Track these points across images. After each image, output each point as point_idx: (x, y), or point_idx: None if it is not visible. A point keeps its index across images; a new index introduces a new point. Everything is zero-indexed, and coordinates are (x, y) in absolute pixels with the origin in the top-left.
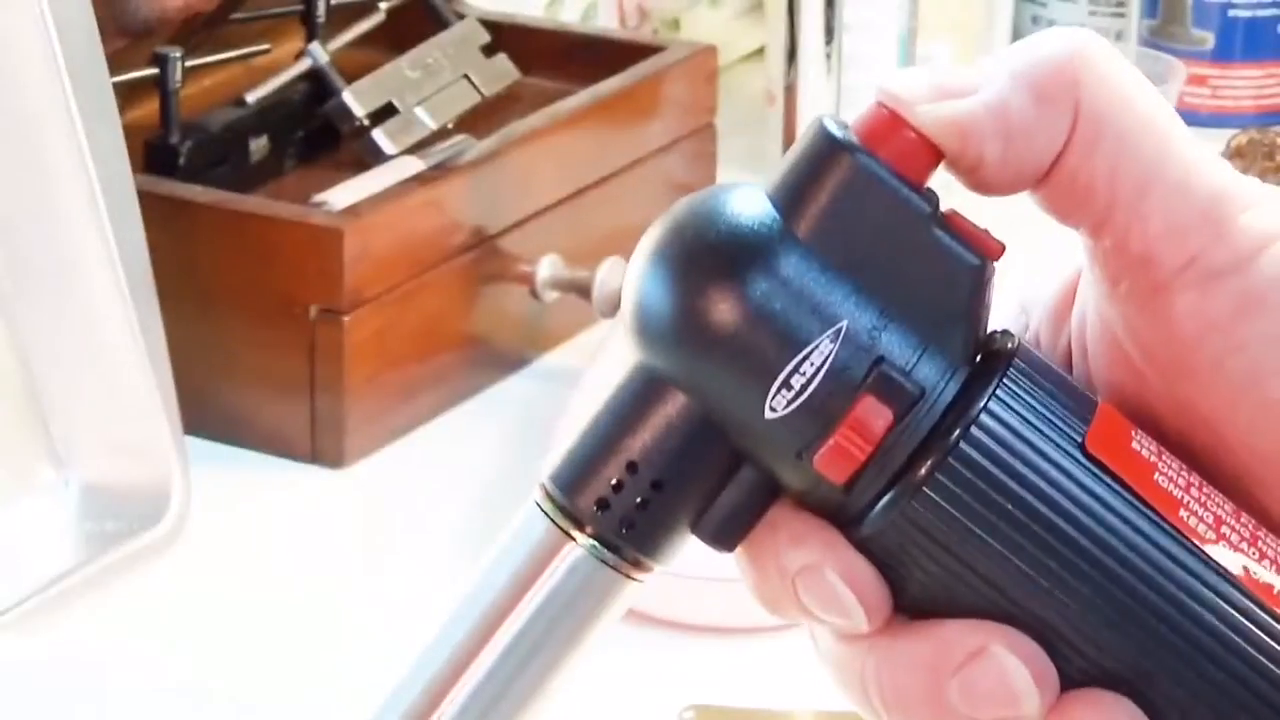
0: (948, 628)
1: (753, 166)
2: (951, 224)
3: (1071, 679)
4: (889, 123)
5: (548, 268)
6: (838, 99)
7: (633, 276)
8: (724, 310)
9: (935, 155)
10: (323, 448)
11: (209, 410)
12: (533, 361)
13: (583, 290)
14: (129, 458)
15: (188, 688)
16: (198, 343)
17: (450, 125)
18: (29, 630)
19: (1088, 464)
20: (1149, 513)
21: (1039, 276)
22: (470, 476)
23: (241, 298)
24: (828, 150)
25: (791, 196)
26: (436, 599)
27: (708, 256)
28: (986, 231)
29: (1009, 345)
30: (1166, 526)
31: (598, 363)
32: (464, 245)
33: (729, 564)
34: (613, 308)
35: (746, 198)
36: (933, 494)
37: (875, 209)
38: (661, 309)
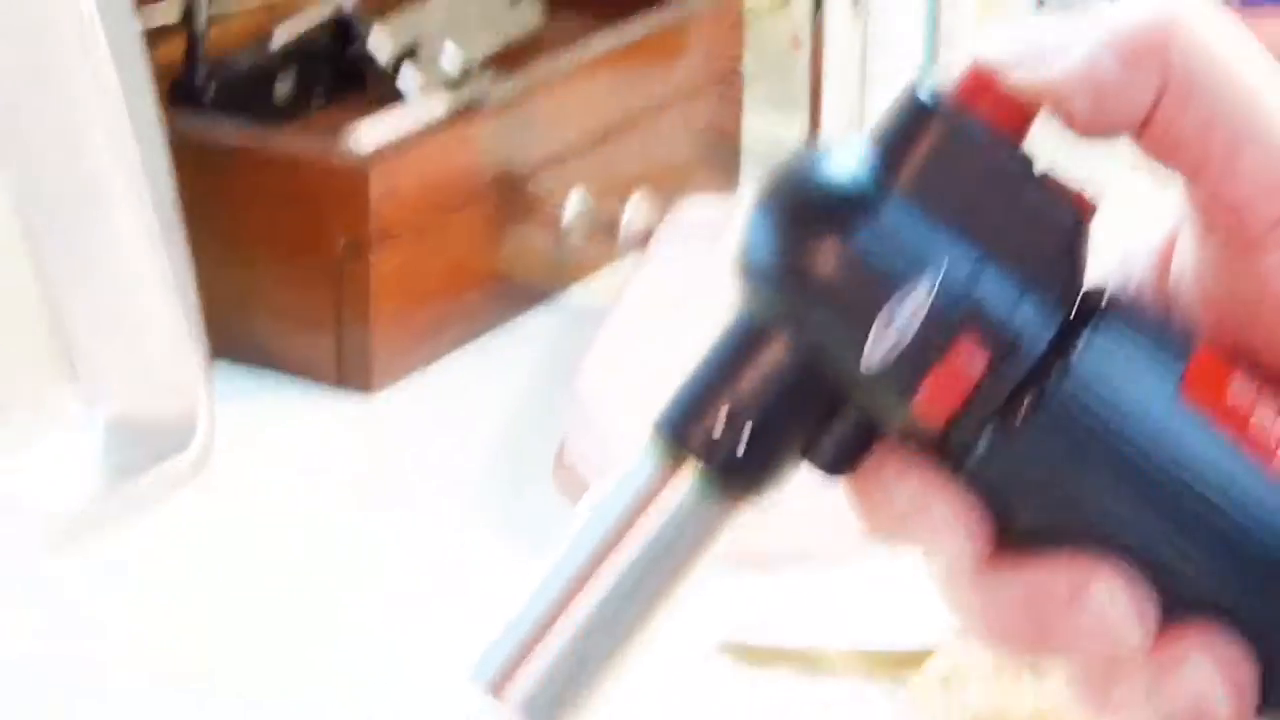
0: (1051, 562)
1: (779, 111)
2: (1048, 181)
3: (1172, 611)
4: (984, 84)
5: (574, 204)
6: (864, 44)
7: (741, 226)
8: (826, 256)
9: (1029, 114)
10: (349, 378)
11: (236, 343)
12: (558, 297)
13: (609, 227)
14: (155, 389)
15: (214, 616)
16: (225, 278)
17: (477, 65)
18: (56, 560)
19: (1185, 407)
20: (1245, 454)
21: (1139, 228)
22: (495, 407)
23: (268, 234)
24: (925, 111)
25: (892, 153)
26: (460, 525)
27: (811, 206)
28: (1082, 188)
29: (1106, 294)
30: (1262, 467)
31: (622, 299)
32: (490, 184)
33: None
34: (638, 244)
35: (850, 153)
36: (1030, 433)
37: (973, 165)
38: (766, 256)
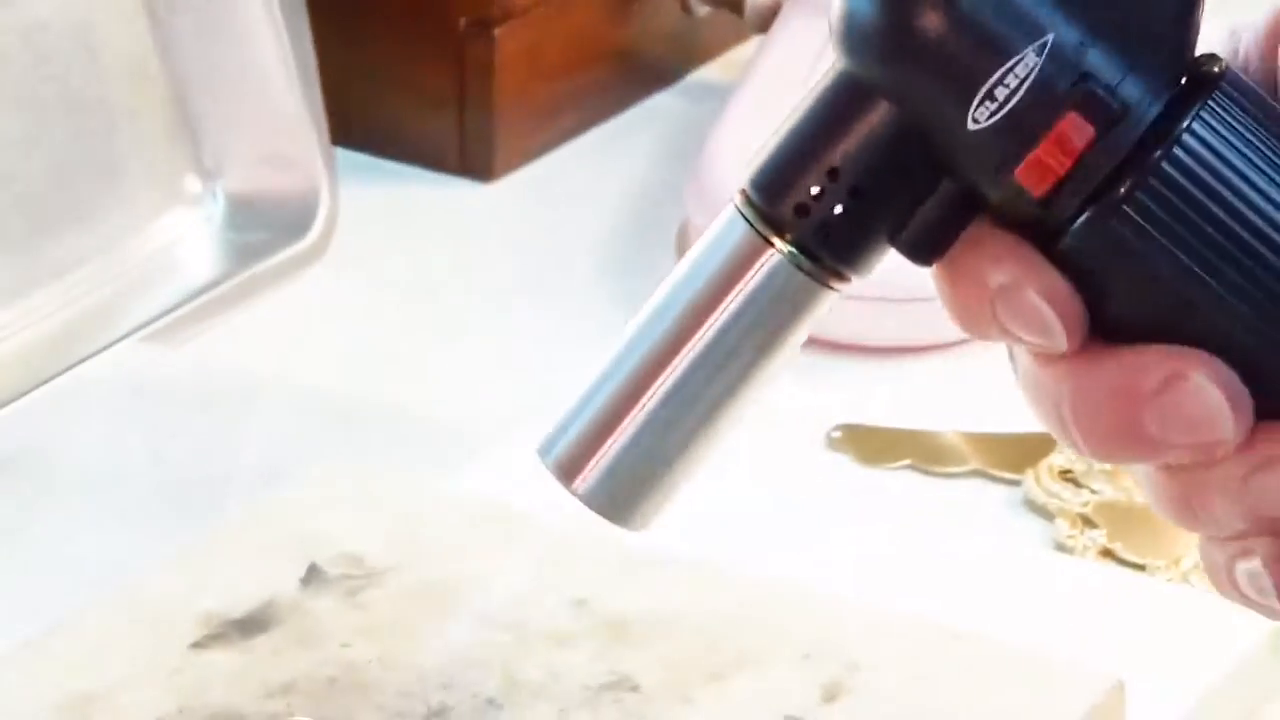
0: (1144, 352)
1: None
2: None
3: (1267, 408)
4: None
5: None
6: None
7: None
8: (933, 17)
9: None
10: (471, 161)
11: (357, 125)
12: (683, 77)
13: (735, 5)
14: (276, 169)
15: (332, 400)
16: (347, 61)
17: None
18: (175, 341)
19: None
20: None
21: (1249, 3)
22: (618, 190)
23: (390, 12)
24: None
25: None
26: (581, 310)
27: None
28: None
29: (1216, 69)
30: None
31: (747, 78)
32: None
33: (878, 282)
34: (764, 23)
35: None
36: (1132, 212)
37: None
38: (870, 15)
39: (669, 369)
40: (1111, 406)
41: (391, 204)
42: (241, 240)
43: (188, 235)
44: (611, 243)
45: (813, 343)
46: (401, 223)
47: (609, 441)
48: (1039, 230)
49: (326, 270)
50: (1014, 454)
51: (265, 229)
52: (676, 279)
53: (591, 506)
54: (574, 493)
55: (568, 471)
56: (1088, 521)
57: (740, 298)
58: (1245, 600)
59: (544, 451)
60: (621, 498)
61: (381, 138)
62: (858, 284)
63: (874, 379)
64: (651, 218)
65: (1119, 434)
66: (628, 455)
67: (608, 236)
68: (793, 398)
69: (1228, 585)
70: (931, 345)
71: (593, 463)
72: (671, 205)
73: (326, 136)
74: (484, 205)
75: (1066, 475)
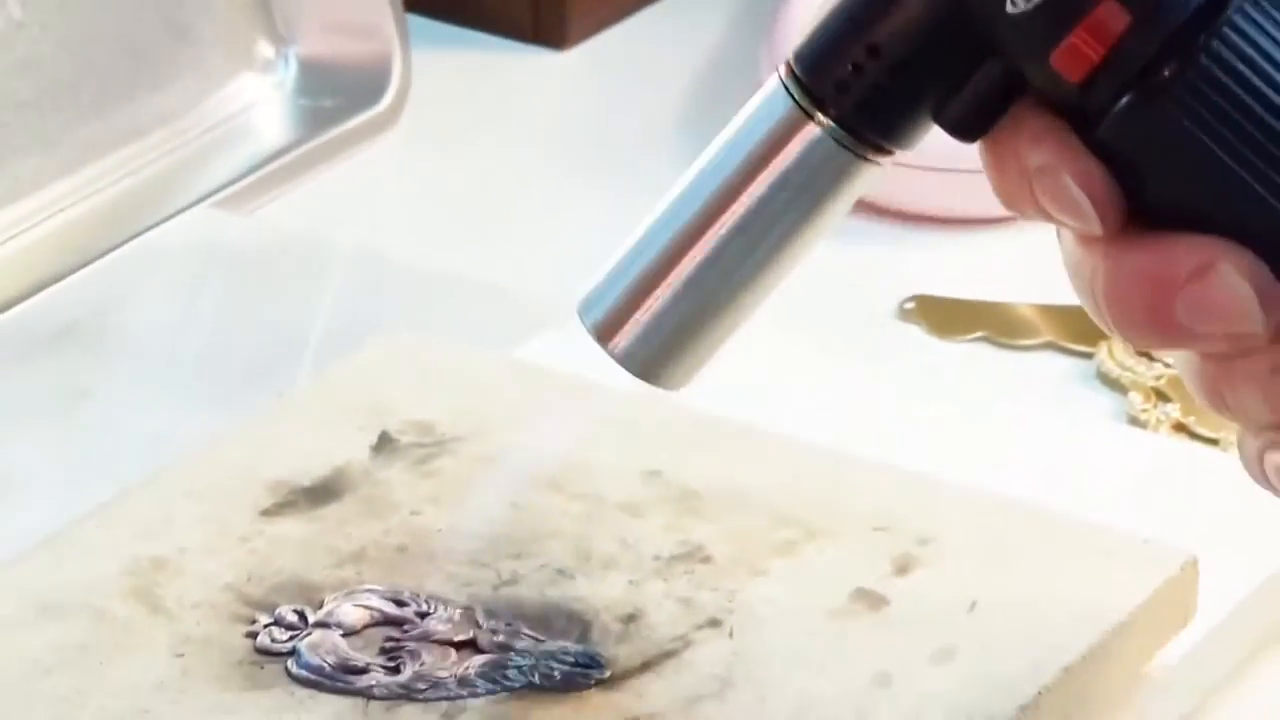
0: (1177, 241)
1: None
2: None
3: None
4: None
5: None
6: None
7: None
8: None
9: None
10: (545, 29)
11: None
12: None
13: None
14: (349, 35)
15: (402, 269)
16: None
17: None
18: (246, 208)
19: None
20: None
21: None
22: (693, 58)
23: None
24: None
25: None
26: (654, 181)
27: None
28: None
29: None
30: None
31: None
32: None
33: (953, 153)
34: None
35: None
36: (1168, 100)
37: None
38: None
39: (708, 236)
40: (1142, 293)
41: (464, 72)
42: (313, 106)
43: (259, 101)
44: (686, 111)
45: (886, 213)
46: (474, 90)
47: (646, 304)
48: (1079, 115)
49: (398, 137)
50: (1087, 327)
51: (337, 95)
52: (720, 147)
53: (627, 367)
54: (610, 353)
55: (605, 332)
56: (1161, 395)
57: (781, 169)
58: (1276, 491)
59: (583, 311)
60: (656, 360)
61: (455, 5)
62: (928, 155)
63: (948, 250)
64: (726, 85)
65: (1149, 320)
66: (664, 319)
67: (682, 105)
68: (865, 268)
69: (1260, 475)
70: (1005, 217)
71: (630, 325)
72: (747, 72)
73: (400, 2)
74: (557, 73)
75: (1138, 351)
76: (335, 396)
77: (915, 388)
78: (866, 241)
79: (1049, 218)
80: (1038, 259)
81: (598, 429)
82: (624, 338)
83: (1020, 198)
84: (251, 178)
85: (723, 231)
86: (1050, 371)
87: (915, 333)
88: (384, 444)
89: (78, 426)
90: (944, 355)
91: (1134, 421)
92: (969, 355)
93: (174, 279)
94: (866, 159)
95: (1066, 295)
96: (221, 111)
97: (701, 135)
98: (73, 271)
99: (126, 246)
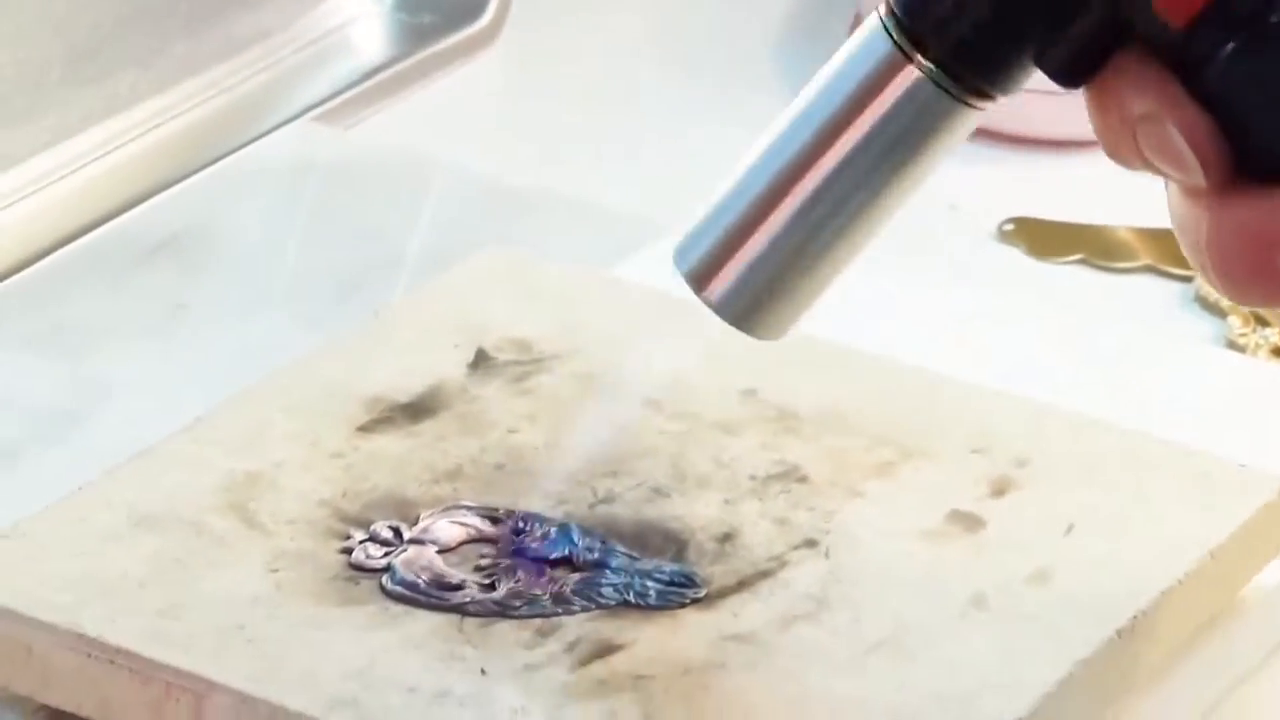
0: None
1: None
2: None
3: None
4: None
5: None
6: None
7: None
8: None
9: None
10: None
11: None
12: None
13: None
14: None
15: (501, 186)
16: None
17: None
18: (345, 123)
19: None
20: None
21: None
22: None
23: None
24: None
25: None
26: (755, 99)
27: None
28: None
29: None
30: None
31: None
32: None
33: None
34: None
35: None
36: (1275, 47)
37: None
38: None
39: (804, 183)
40: (1245, 248)
41: None
42: (413, 22)
43: (359, 16)
44: (786, 34)
45: (986, 135)
46: (573, 9)
47: (742, 252)
48: (1183, 63)
49: (498, 55)
50: None
51: (437, 12)
52: (818, 88)
53: (723, 316)
54: (706, 301)
55: (700, 280)
56: (1260, 319)
57: (879, 114)
58: None
59: (678, 259)
60: (752, 309)
61: None
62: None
63: (1047, 172)
64: (826, 7)
65: (1251, 276)
66: (760, 267)
67: (782, 27)
68: (965, 190)
69: None
70: None
71: (725, 272)
72: (838, 5)
73: None
74: None
75: None
76: (432, 313)
77: (1013, 309)
78: (966, 163)
79: (1153, 169)
80: (1137, 182)
81: (694, 348)
82: (719, 285)
83: (1124, 148)
84: (349, 93)
85: (819, 178)
86: (1149, 295)
87: (1014, 254)
88: (481, 361)
89: (175, 340)
90: (1043, 277)
91: (1232, 345)
92: (1068, 277)
93: (271, 194)
94: (967, 103)
95: (1165, 219)
96: (320, 27)
97: (802, 59)
98: (171, 185)
99: (224, 161)
